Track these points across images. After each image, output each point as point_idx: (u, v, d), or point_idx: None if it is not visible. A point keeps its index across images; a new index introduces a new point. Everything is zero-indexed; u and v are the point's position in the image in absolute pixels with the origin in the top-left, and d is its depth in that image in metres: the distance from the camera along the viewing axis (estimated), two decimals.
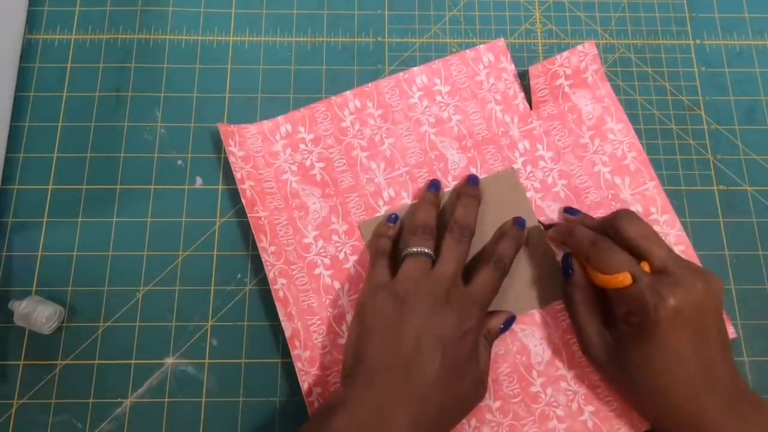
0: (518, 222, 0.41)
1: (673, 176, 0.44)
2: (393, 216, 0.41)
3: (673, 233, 0.42)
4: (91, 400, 0.39)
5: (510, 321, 0.39)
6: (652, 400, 0.35)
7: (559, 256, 0.41)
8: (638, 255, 0.36)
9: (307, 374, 0.39)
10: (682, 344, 0.33)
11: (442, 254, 0.37)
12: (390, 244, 0.40)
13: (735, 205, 0.44)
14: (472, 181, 0.42)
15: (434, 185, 0.42)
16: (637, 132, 0.44)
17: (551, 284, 0.41)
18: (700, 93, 0.46)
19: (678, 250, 0.41)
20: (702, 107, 0.46)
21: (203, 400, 0.39)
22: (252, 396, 0.39)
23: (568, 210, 0.42)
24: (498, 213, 0.42)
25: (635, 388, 0.36)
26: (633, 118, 0.45)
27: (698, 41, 0.48)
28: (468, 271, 0.38)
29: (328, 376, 0.39)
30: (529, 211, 0.42)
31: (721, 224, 0.43)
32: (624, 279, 0.35)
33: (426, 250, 0.37)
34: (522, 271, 0.41)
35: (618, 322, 0.37)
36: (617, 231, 0.37)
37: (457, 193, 0.42)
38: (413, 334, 0.34)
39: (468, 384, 0.35)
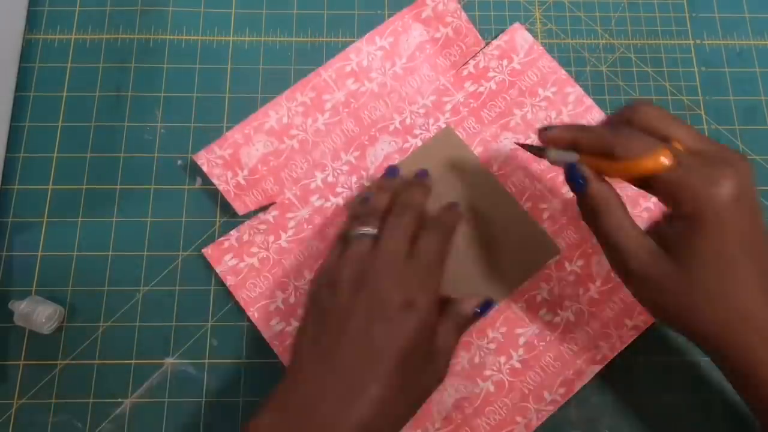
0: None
1: None
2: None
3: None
4: (91, 400, 0.39)
5: (488, 305, 0.35)
6: (712, 307, 0.29)
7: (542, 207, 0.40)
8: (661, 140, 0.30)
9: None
10: (746, 232, 0.28)
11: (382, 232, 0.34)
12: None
13: None
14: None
15: (391, 172, 0.40)
16: None
17: (540, 245, 0.40)
18: (700, 93, 0.46)
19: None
20: (702, 107, 0.46)
21: (203, 400, 0.39)
22: (252, 396, 0.39)
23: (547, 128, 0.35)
24: (449, 177, 0.41)
25: (692, 297, 0.29)
26: None
27: (698, 41, 0.48)
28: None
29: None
30: (477, 164, 0.41)
31: None
32: (664, 155, 0.29)
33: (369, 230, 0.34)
34: (503, 241, 0.40)
35: (654, 225, 0.32)
36: (631, 122, 0.31)
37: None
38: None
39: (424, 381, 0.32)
